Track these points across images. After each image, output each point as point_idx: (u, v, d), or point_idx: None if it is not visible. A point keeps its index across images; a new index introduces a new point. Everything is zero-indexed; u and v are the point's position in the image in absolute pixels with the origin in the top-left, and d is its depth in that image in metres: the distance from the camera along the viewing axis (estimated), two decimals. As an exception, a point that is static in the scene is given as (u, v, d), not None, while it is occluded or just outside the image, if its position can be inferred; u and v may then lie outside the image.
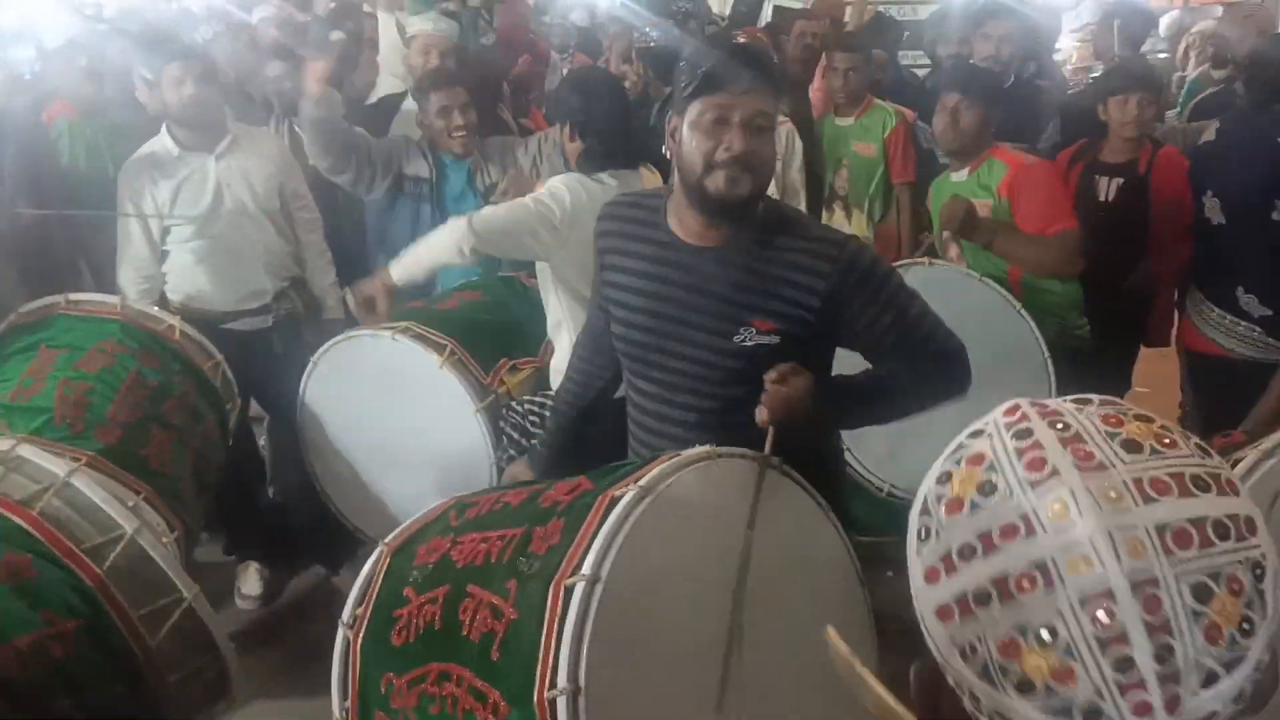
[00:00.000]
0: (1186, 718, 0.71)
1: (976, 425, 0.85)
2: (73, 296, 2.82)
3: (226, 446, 3.05)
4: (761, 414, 1.72)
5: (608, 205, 2.12)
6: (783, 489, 1.70)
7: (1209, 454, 0.79)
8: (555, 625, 1.42)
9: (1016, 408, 0.83)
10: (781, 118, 3.96)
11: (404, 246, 3.23)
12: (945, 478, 0.82)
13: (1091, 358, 3.06)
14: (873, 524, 2.66)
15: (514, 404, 2.74)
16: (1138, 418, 0.80)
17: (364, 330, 2.81)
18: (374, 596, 1.77)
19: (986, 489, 0.77)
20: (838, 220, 3.95)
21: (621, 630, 1.43)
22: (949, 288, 2.83)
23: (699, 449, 1.64)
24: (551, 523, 1.59)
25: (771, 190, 3.67)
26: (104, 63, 3.63)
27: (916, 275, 2.84)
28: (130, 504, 2.33)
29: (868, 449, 2.70)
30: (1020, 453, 0.78)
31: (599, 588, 1.42)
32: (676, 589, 1.52)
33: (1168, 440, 0.78)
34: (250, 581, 3.56)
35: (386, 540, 1.87)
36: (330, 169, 3.31)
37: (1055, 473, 0.75)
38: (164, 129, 3.27)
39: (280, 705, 3.07)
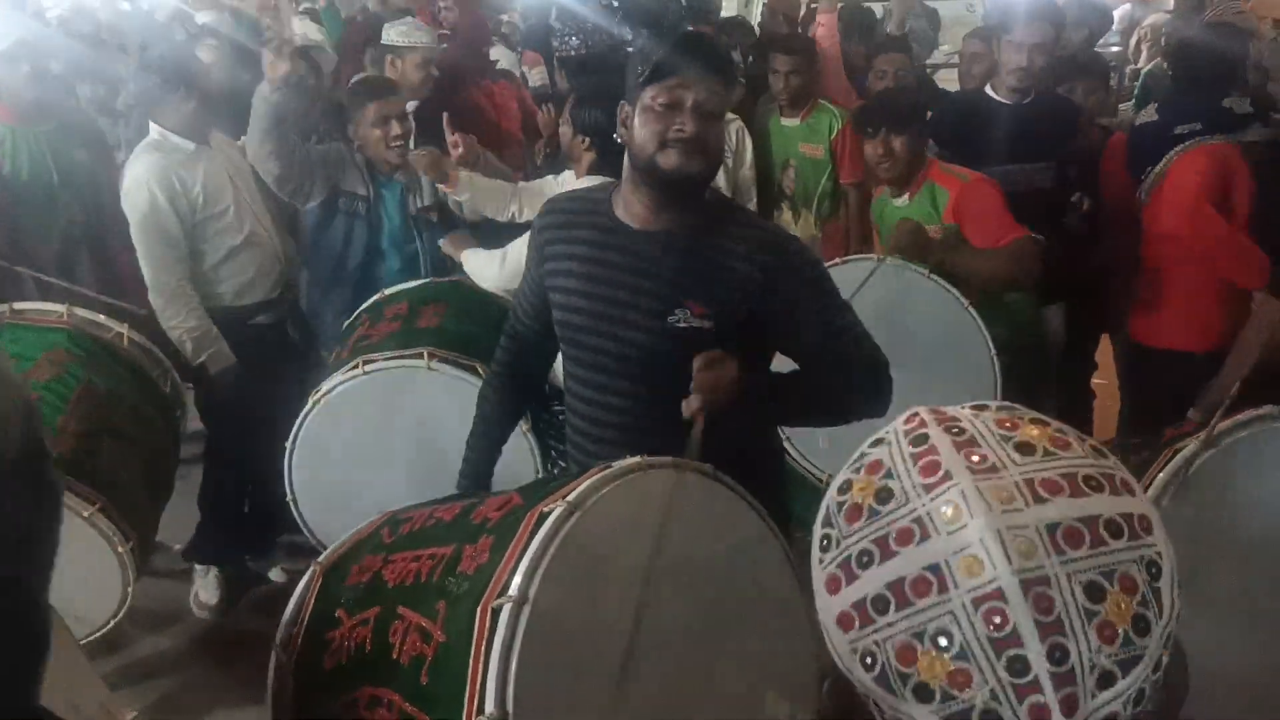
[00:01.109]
0: None
1: (878, 434, 0.85)
2: (17, 306, 2.77)
3: (177, 454, 3.01)
4: (690, 405, 1.74)
5: (549, 202, 2.13)
6: (715, 494, 1.68)
7: (1104, 455, 0.79)
8: (483, 649, 1.39)
9: (915, 415, 0.83)
10: (731, 115, 3.96)
11: (334, 262, 3.31)
12: (846, 486, 0.82)
13: (1049, 354, 3.07)
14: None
15: (543, 414, 2.76)
16: (1033, 421, 0.81)
17: (389, 364, 2.73)
18: (306, 617, 1.73)
19: (884, 496, 0.78)
20: (785, 220, 3.97)
21: (551, 652, 1.41)
22: (898, 283, 2.82)
23: (630, 460, 1.61)
24: (481, 540, 1.56)
25: (723, 189, 3.73)
26: (49, 66, 3.53)
27: (863, 270, 2.84)
28: (86, 514, 2.35)
29: (808, 440, 2.71)
30: (916, 459, 0.79)
31: (526, 609, 1.39)
32: (608, 607, 1.49)
33: (1061, 442, 0.78)
34: (209, 589, 3.51)
35: (319, 559, 1.83)
36: (280, 178, 3.22)
37: (948, 476, 0.76)
38: (157, 129, 3.17)
39: (237, 715, 3.05)
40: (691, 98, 1.81)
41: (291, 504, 2.83)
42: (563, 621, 1.43)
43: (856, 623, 0.76)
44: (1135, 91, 5.18)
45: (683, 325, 1.85)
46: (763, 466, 1.99)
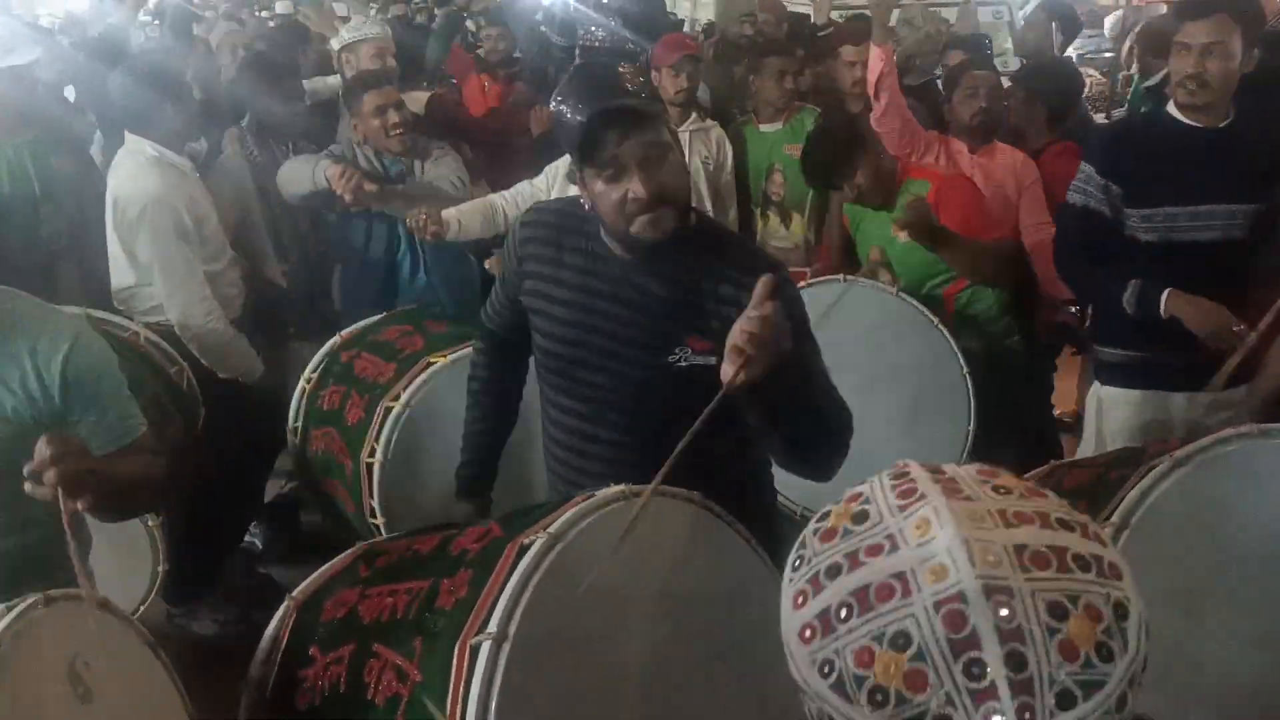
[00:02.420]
0: None
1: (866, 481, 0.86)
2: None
3: (195, 451, 2.91)
4: (728, 372, 1.49)
5: (531, 211, 2.03)
6: (702, 522, 1.63)
7: (1077, 510, 0.79)
8: (461, 689, 1.34)
9: (904, 464, 0.85)
10: (710, 122, 3.96)
11: (360, 260, 3.32)
12: (825, 515, 0.83)
13: (1019, 368, 3.04)
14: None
15: None
16: (1012, 475, 0.82)
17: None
18: (279, 655, 1.67)
19: (859, 517, 0.79)
20: (773, 226, 3.92)
21: (532, 690, 1.36)
22: (868, 303, 2.80)
23: (613, 489, 1.56)
24: (459, 574, 1.51)
25: (704, 196, 3.69)
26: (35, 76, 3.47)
27: (833, 291, 2.81)
28: None
29: (778, 470, 2.65)
30: (894, 487, 0.80)
31: (506, 646, 1.34)
32: (591, 641, 1.44)
33: (1038, 492, 0.80)
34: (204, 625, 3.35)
35: (293, 593, 1.77)
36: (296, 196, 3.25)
37: (923, 497, 0.77)
38: (149, 145, 3.05)
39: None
40: (631, 158, 1.71)
41: (377, 528, 2.64)
42: (544, 658, 1.38)
43: (819, 633, 0.76)
44: (1129, 98, 5.21)
45: (684, 364, 1.77)
46: (758, 495, 1.93)
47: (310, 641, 1.64)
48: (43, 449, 1.44)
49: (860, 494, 0.82)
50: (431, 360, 2.67)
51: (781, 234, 3.91)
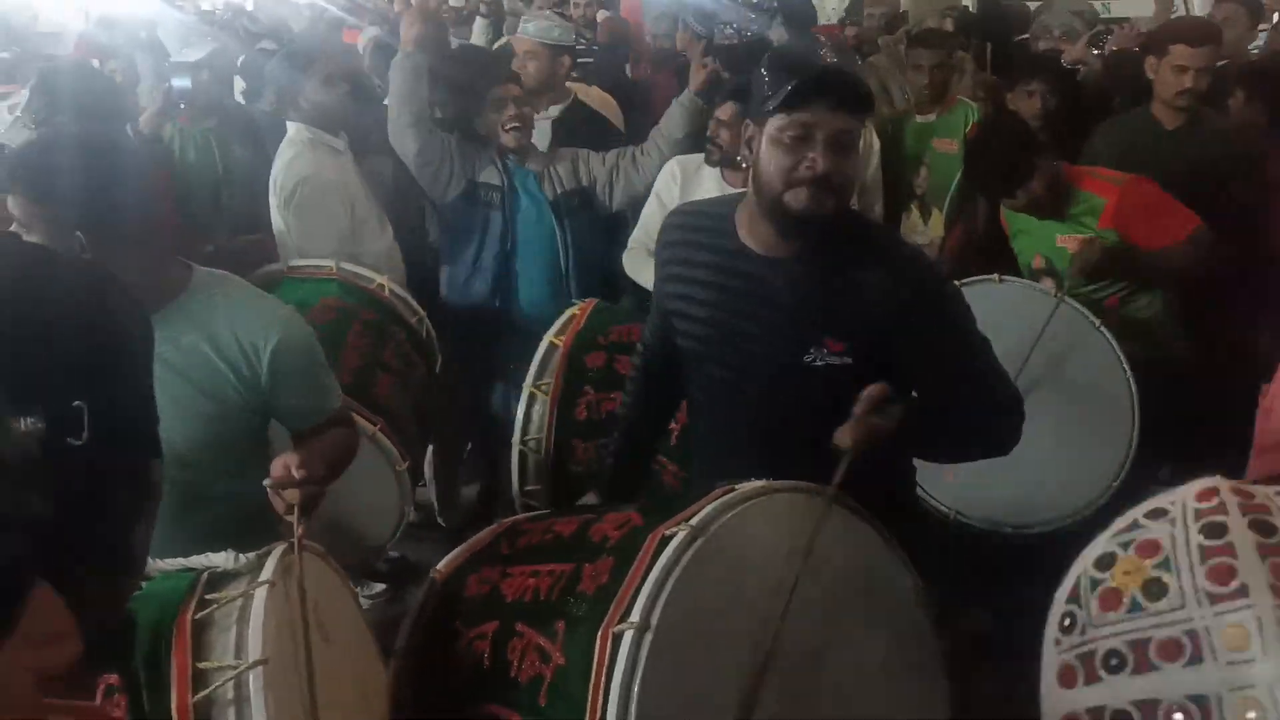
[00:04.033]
0: None
1: (1160, 501, 0.70)
2: (293, 263, 3.01)
3: (434, 399, 3.13)
4: (844, 438, 1.61)
5: (672, 214, 2.05)
6: (845, 521, 1.62)
7: None
8: (603, 675, 1.37)
9: (1214, 492, 0.68)
10: None
11: (472, 257, 3.30)
12: (1107, 561, 0.69)
13: (1188, 378, 2.86)
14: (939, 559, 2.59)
15: None
16: None
17: None
18: (424, 627, 1.74)
19: (1154, 590, 0.65)
20: (914, 221, 3.82)
21: (672, 679, 1.37)
22: (1024, 305, 2.70)
23: (754, 483, 1.56)
24: (600, 560, 1.54)
25: None
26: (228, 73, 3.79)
27: (986, 290, 2.72)
28: (369, 433, 2.47)
29: (932, 474, 2.57)
30: (1206, 553, 0.65)
31: (648, 636, 1.36)
32: (731, 633, 1.45)
33: None
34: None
35: (438, 567, 1.84)
36: (418, 154, 3.22)
37: (1243, 593, 0.62)
38: (305, 129, 3.22)
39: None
40: (823, 133, 1.67)
41: None
42: (685, 649, 1.40)
43: None
44: None
45: (820, 364, 1.74)
46: (898, 495, 1.91)
47: (455, 615, 1.70)
48: (289, 469, 1.52)
49: (1157, 545, 0.67)
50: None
51: (920, 229, 3.81)
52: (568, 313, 2.79)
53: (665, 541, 1.46)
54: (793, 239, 1.78)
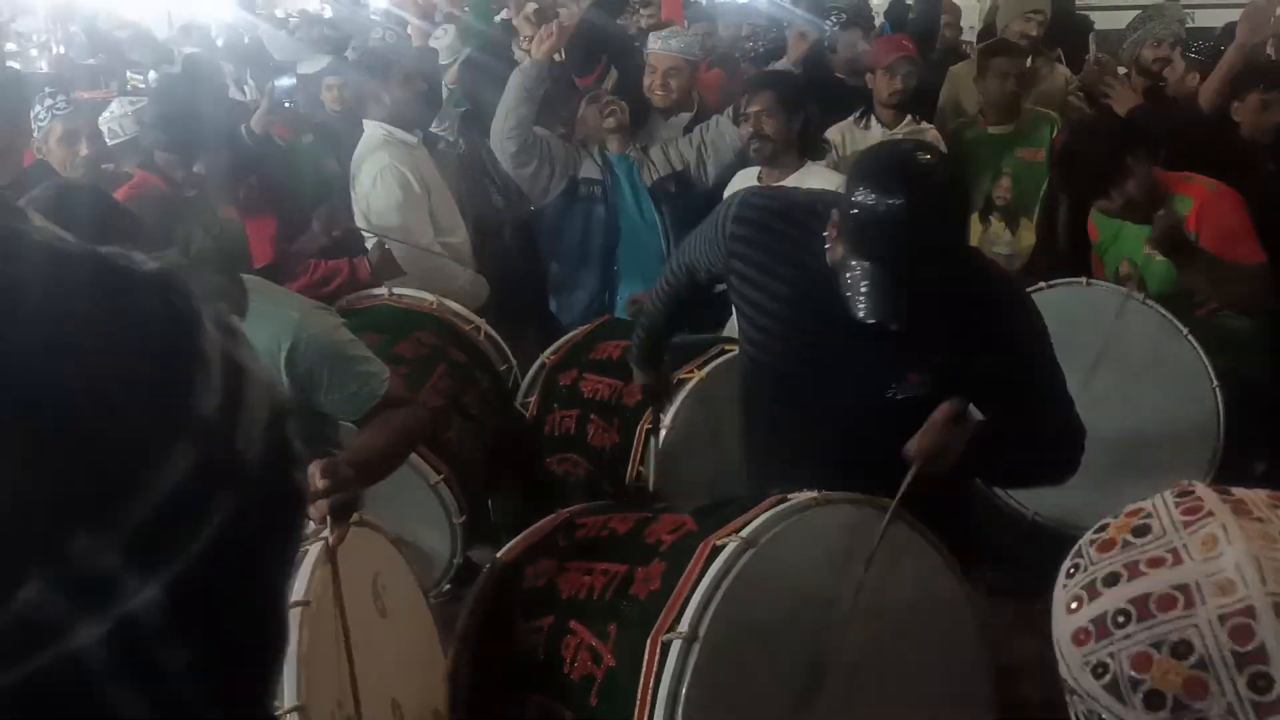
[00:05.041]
0: None
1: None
2: (396, 290, 2.99)
3: (511, 449, 3.02)
4: (912, 448, 1.58)
5: (757, 194, 1.96)
6: (895, 531, 1.62)
7: None
8: (652, 681, 1.41)
9: (1184, 484, 0.83)
10: (926, 125, 3.76)
11: (579, 249, 3.32)
12: (1101, 528, 0.83)
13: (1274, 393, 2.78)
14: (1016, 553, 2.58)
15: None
16: None
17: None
18: (483, 613, 1.81)
19: (1140, 530, 0.79)
20: (995, 232, 3.74)
21: (720, 690, 1.41)
22: (1109, 309, 2.63)
23: (806, 494, 1.58)
24: (653, 564, 1.57)
25: None
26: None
27: (1072, 293, 2.66)
28: (433, 481, 2.47)
29: None
30: (1179, 504, 0.80)
31: (696, 647, 1.39)
32: (779, 646, 1.48)
33: None
34: None
35: (499, 554, 1.90)
36: (516, 155, 3.25)
37: (1210, 514, 0.77)
38: (379, 126, 3.29)
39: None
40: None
41: None
42: (733, 660, 1.43)
43: (1094, 636, 0.77)
44: None
45: (901, 397, 1.69)
46: (949, 501, 1.90)
47: (513, 604, 1.76)
48: (315, 479, 1.48)
49: (1141, 509, 0.82)
50: (683, 378, 2.59)
51: (1006, 239, 3.71)
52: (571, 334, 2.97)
53: (716, 551, 1.48)
54: None
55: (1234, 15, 3.71)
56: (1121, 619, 0.75)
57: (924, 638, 1.62)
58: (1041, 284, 2.71)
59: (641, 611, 1.50)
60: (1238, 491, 0.81)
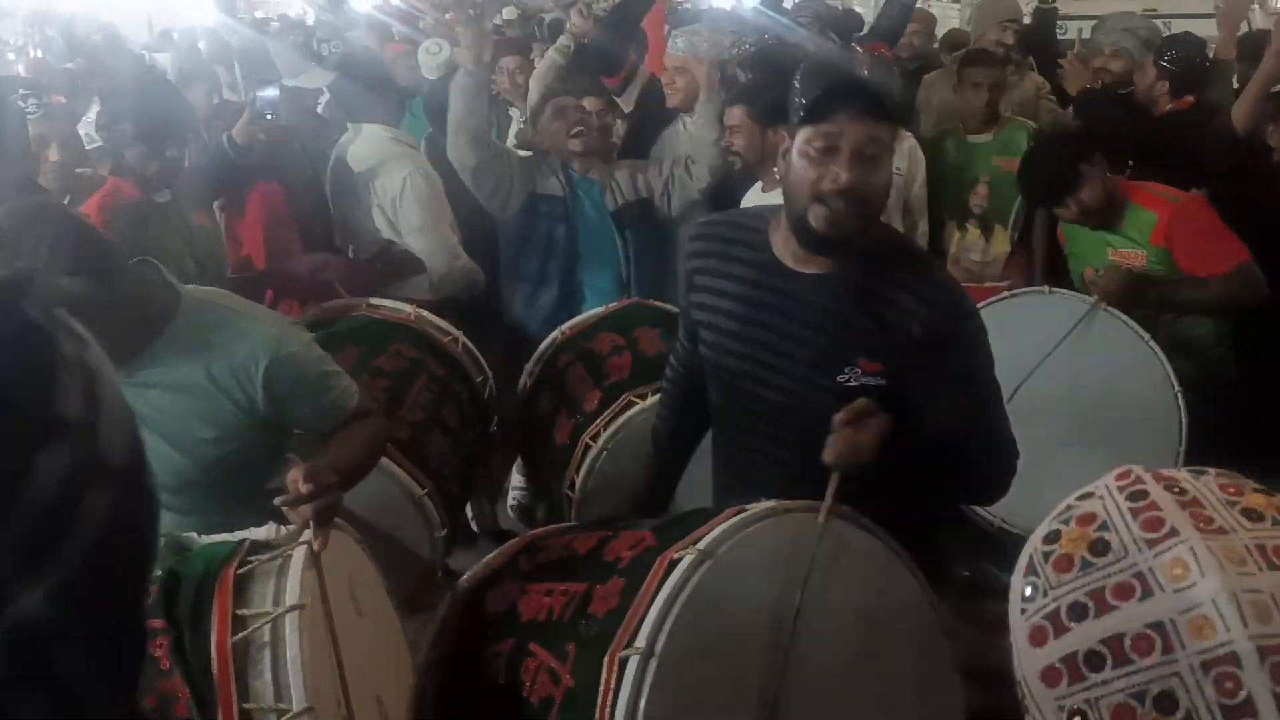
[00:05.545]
0: None
1: (1084, 490, 0.82)
2: (373, 301, 2.98)
3: (487, 461, 3.13)
4: (828, 455, 1.59)
5: (702, 224, 2.02)
6: (855, 539, 1.59)
7: None
8: (609, 699, 1.37)
9: (1129, 472, 0.80)
10: (905, 132, 3.80)
11: (537, 270, 3.31)
12: (1053, 536, 0.79)
13: (1239, 397, 2.78)
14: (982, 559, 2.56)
15: None
16: (1256, 490, 0.77)
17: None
18: (447, 642, 1.77)
19: (1099, 547, 0.75)
20: (971, 239, 3.77)
21: (680, 703, 1.38)
22: (1073, 316, 2.64)
23: (765, 504, 1.55)
24: (611, 581, 1.54)
25: (893, 208, 3.62)
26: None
27: (1035, 302, 2.67)
28: (417, 495, 2.48)
29: None
30: (1135, 513, 0.75)
31: (653, 663, 1.36)
32: (738, 655, 1.45)
33: None
34: None
35: (463, 579, 1.86)
36: (477, 170, 3.23)
37: (1174, 532, 0.72)
38: (381, 129, 3.41)
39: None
40: (848, 143, 1.64)
41: None
42: (692, 675, 1.40)
43: (1065, 679, 0.73)
44: None
45: (855, 384, 1.70)
46: (907, 506, 1.88)
47: (475, 630, 1.73)
48: (298, 484, 1.51)
49: (1093, 515, 0.77)
50: (633, 400, 2.64)
51: (980, 247, 3.77)
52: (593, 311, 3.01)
53: (673, 565, 1.45)
54: (819, 256, 1.75)
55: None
56: (1095, 661, 0.72)
57: (887, 646, 1.59)
58: (1005, 292, 2.72)
59: (599, 630, 1.47)
60: (1185, 482, 0.77)
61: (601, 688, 1.39)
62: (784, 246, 1.80)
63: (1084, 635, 0.72)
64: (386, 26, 5.19)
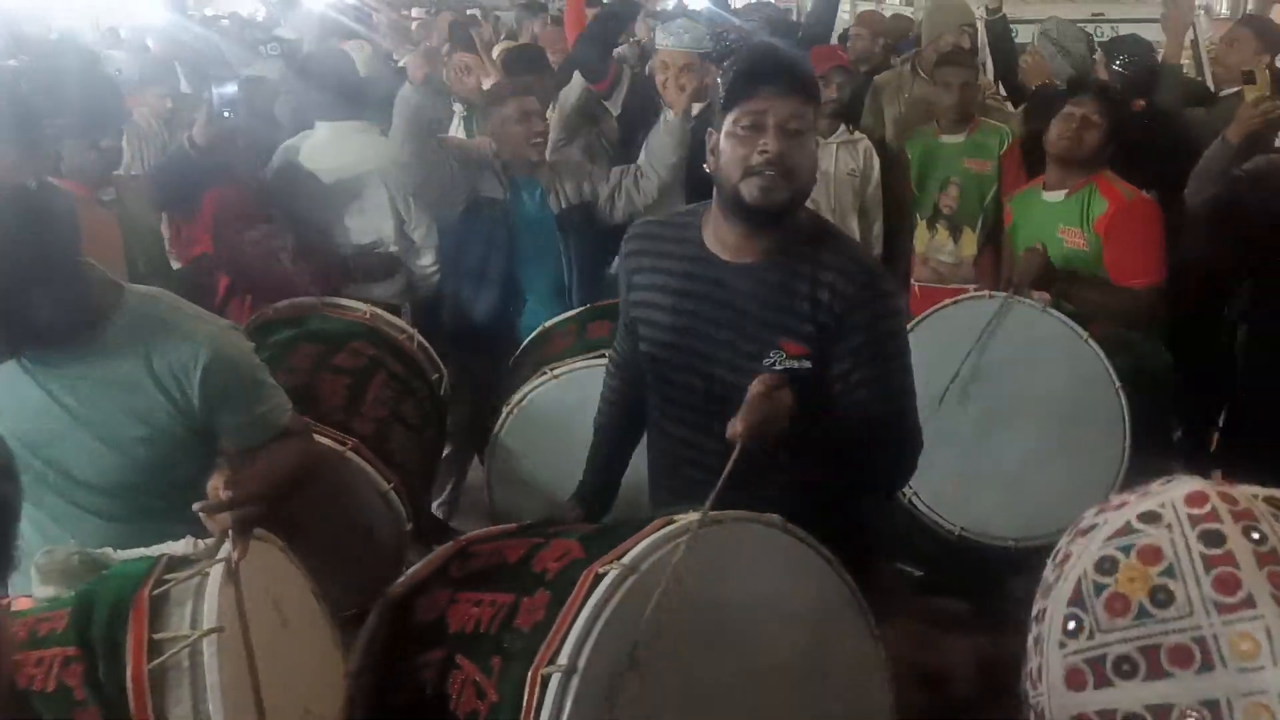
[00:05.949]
0: None
1: (1149, 504, 0.73)
2: (327, 300, 2.97)
3: (441, 456, 3.17)
4: (734, 427, 1.63)
5: (636, 225, 2.06)
6: (783, 547, 1.59)
7: None
8: (532, 716, 1.36)
9: (1204, 498, 0.71)
10: (859, 135, 3.95)
11: (476, 271, 3.30)
12: (1109, 566, 0.71)
13: (1176, 393, 2.84)
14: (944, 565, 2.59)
15: None
16: None
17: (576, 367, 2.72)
18: (376, 651, 1.75)
19: (1160, 597, 0.68)
20: (940, 240, 3.82)
21: (602, 721, 1.38)
22: (1020, 319, 2.69)
23: (692, 515, 1.55)
24: (538, 594, 1.53)
25: (850, 207, 3.65)
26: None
27: (983, 307, 2.69)
28: (382, 491, 2.47)
29: (934, 489, 2.62)
30: (1208, 562, 0.68)
31: (575, 680, 1.35)
32: (666, 674, 1.45)
33: None
34: None
35: (392, 586, 1.85)
36: (417, 178, 3.26)
37: (1250, 602, 0.65)
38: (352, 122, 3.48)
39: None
40: (773, 117, 1.73)
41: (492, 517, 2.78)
42: (615, 692, 1.39)
43: None
44: None
45: (779, 368, 1.75)
46: (837, 508, 1.89)
47: (405, 639, 1.71)
48: (218, 490, 1.49)
49: (1158, 552, 0.69)
50: (553, 368, 2.72)
51: (948, 249, 3.82)
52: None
53: (598, 579, 1.44)
54: (756, 239, 1.80)
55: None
56: None
57: (815, 650, 1.60)
58: (948, 301, 2.76)
59: (525, 644, 1.46)
60: (1261, 520, 0.68)
61: (524, 704, 1.38)
62: (715, 239, 1.85)
63: (1129, 696, 0.66)
64: (340, 24, 5.10)
